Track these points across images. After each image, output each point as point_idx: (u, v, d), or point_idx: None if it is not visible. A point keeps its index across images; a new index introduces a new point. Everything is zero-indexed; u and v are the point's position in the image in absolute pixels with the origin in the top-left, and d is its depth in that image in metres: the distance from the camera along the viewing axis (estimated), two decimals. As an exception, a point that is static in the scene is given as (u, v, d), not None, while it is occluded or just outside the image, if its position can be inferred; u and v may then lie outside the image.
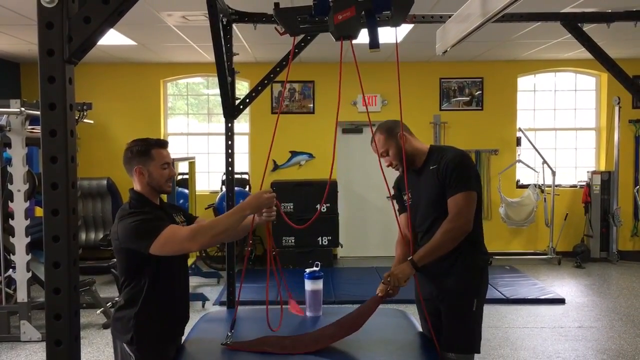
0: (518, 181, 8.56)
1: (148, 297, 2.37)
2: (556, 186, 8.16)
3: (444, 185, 2.64)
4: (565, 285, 6.85)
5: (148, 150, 2.42)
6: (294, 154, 8.30)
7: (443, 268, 2.68)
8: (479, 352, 2.70)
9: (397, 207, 2.98)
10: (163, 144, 2.49)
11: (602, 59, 3.61)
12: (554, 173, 8.06)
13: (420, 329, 2.82)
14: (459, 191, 2.59)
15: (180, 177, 7.68)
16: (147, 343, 2.37)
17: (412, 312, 3.07)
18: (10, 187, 5.00)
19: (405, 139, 2.72)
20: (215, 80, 3.58)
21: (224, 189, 7.72)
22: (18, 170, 4.98)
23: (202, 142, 8.66)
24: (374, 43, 2.17)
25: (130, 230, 2.27)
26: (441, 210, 2.66)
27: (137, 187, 2.47)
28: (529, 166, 8.20)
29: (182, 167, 7.58)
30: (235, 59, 3.59)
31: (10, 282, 5.47)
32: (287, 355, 2.42)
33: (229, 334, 2.54)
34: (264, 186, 8.15)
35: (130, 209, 2.38)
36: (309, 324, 2.87)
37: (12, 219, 5.02)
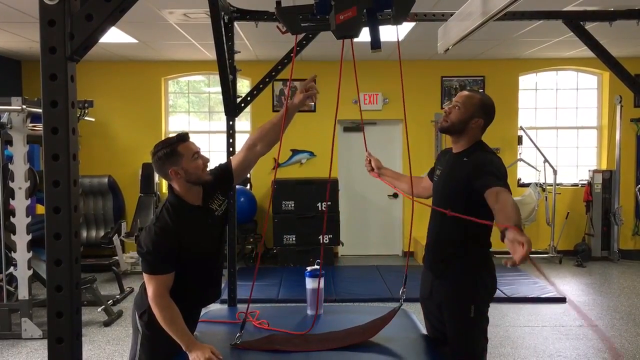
0: (519, 180, 8.56)
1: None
2: (557, 185, 8.16)
3: (466, 182, 2.50)
4: (566, 284, 6.84)
5: (174, 149, 2.39)
6: (295, 152, 8.30)
7: (442, 270, 2.65)
8: (484, 357, 2.66)
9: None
10: (185, 137, 2.45)
11: (604, 58, 3.61)
12: (555, 172, 8.05)
13: (423, 329, 2.82)
14: (498, 185, 2.33)
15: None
16: (156, 324, 2.38)
17: (414, 311, 3.07)
18: (11, 184, 5.01)
19: (476, 125, 2.64)
20: (217, 78, 3.58)
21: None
22: (19, 167, 4.98)
23: (204, 140, 8.65)
24: (375, 43, 2.17)
25: (140, 250, 2.39)
26: (455, 204, 2.53)
27: (176, 188, 2.46)
28: (530, 165, 8.20)
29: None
30: (236, 56, 3.59)
31: (12, 279, 5.48)
32: (292, 353, 2.42)
33: (239, 334, 2.54)
34: (267, 185, 8.16)
35: (162, 215, 2.40)
36: (309, 322, 2.87)
37: (14, 216, 5.02)
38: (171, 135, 8.50)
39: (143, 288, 2.49)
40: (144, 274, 2.39)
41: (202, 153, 2.51)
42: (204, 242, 2.49)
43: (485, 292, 2.63)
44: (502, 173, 2.49)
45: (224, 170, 2.68)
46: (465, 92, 2.73)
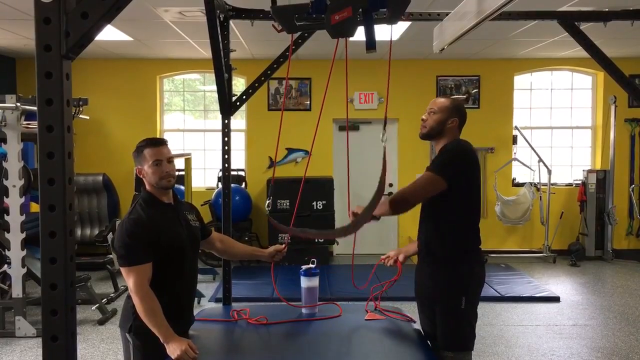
0: (514, 179, 8.58)
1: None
2: (552, 184, 8.18)
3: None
4: (560, 284, 6.87)
5: (141, 150, 2.54)
6: (290, 151, 8.30)
7: (436, 266, 2.73)
8: (471, 349, 2.71)
9: None
10: (155, 142, 2.56)
11: (599, 58, 3.62)
12: (549, 171, 8.08)
13: (417, 326, 2.84)
14: (429, 170, 2.64)
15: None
16: (144, 332, 2.41)
17: (408, 310, 3.08)
18: (5, 182, 4.99)
19: (453, 124, 2.74)
20: (212, 76, 3.58)
21: (220, 185, 7.71)
22: (13, 165, 4.97)
23: (199, 138, 8.65)
24: (370, 44, 2.17)
25: (117, 245, 2.46)
26: (434, 201, 2.67)
27: (146, 185, 2.60)
28: (525, 164, 8.22)
29: (178, 164, 7.55)
30: (232, 55, 3.59)
31: (6, 277, 5.46)
32: (288, 353, 2.43)
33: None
34: (262, 183, 8.16)
35: (136, 207, 2.50)
36: (305, 318, 2.89)
37: (8, 214, 5.01)
38: (165, 133, 8.40)
39: (125, 309, 2.55)
40: (122, 269, 2.42)
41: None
42: (177, 235, 2.54)
43: (475, 283, 2.71)
44: (453, 154, 2.67)
45: (206, 226, 2.92)
46: (438, 99, 2.86)
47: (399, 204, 2.61)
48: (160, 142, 2.59)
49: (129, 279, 2.39)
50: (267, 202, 2.86)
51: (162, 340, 2.34)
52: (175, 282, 2.54)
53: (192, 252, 2.67)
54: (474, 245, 2.75)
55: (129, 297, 2.52)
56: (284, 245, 2.99)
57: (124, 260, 2.41)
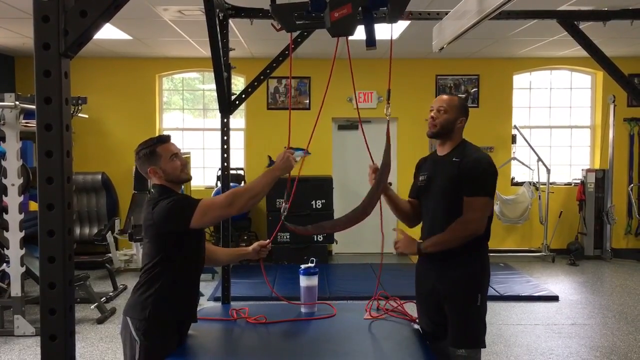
0: (513, 179, 8.58)
1: (165, 286, 2.44)
2: (551, 184, 8.19)
3: (461, 180, 2.65)
4: (559, 283, 6.88)
5: (153, 150, 2.51)
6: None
7: (447, 263, 2.71)
8: (484, 346, 2.72)
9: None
10: (164, 138, 2.58)
11: (598, 57, 3.62)
12: (548, 171, 8.09)
13: (417, 326, 2.84)
14: (479, 195, 2.63)
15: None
16: (154, 334, 2.41)
17: (407, 309, 3.07)
18: (4, 181, 4.98)
19: (461, 124, 2.80)
20: (211, 75, 3.57)
21: (219, 184, 7.71)
22: (12, 164, 4.96)
23: (198, 137, 8.64)
24: (370, 41, 2.17)
25: (169, 209, 2.39)
26: (452, 204, 2.67)
27: (159, 182, 2.57)
28: (524, 164, 8.23)
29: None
30: (231, 54, 3.58)
31: (4, 276, 5.46)
32: (288, 353, 2.43)
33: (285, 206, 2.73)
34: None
35: (159, 196, 2.47)
36: (305, 317, 2.89)
37: (6, 213, 5.00)
38: (164, 132, 8.43)
39: (137, 294, 2.46)
40: (193, 219, 2.35)
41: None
42: None
43: (487, 279, 2.78)
44: (490, 170, 2.71)
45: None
46: (445, 96, 2.87)
47: (467, 238, 2.64)
48: (168, 138, 2.61)
49: (206, 215, 2.36)
50: (284, 206, 2.75)
51: (277, 173, 2.51)
52: (194, 276, 2.60)
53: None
54: (485, 242, 2.79)
55: (139, 291, 2.45)
56: (267, 241, 2.95)
57: (189, 208, 2.36)
